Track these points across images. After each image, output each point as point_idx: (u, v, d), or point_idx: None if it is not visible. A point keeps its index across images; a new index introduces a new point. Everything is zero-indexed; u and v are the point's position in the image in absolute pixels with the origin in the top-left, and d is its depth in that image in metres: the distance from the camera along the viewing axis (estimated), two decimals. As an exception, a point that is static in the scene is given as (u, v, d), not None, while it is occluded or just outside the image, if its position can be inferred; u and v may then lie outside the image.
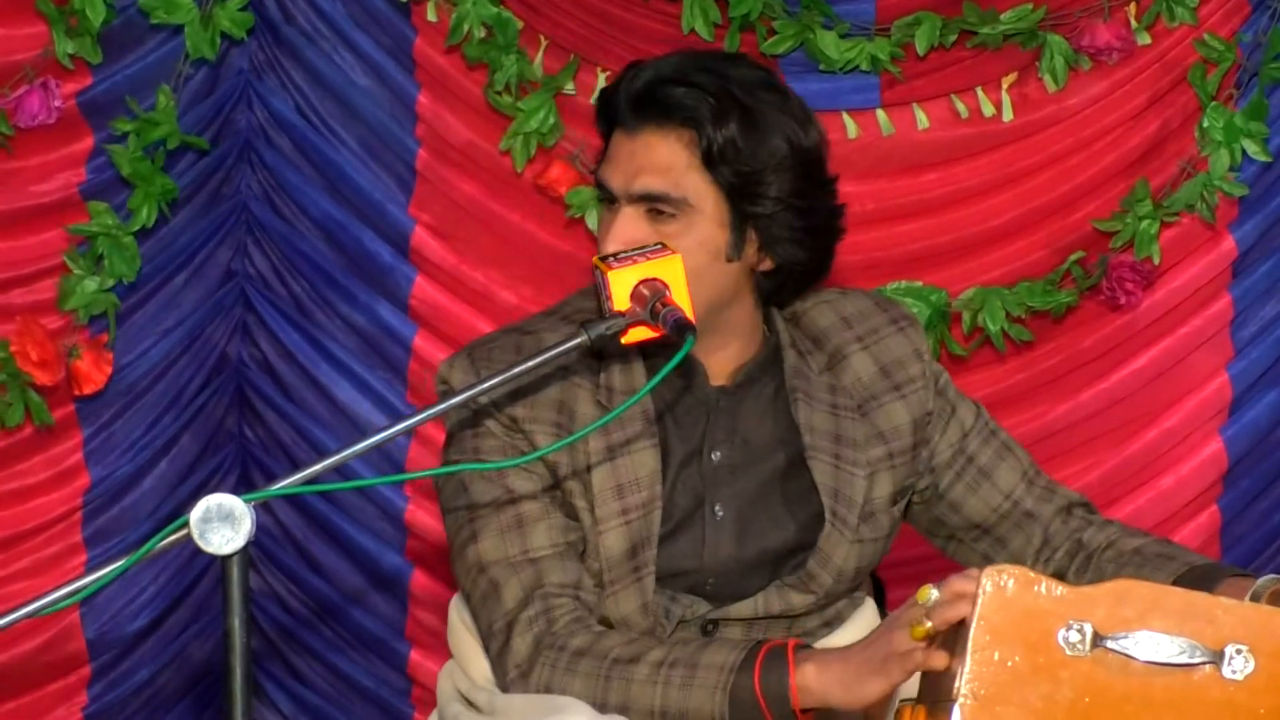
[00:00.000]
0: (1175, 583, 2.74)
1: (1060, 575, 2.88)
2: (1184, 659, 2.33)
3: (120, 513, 4.06)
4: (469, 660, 2.87)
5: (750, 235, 2.78)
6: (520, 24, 3.95)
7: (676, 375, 2.78)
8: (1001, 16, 3.90)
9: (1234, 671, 2.33)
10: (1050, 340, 4.04)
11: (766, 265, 2.81)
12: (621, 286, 2.63)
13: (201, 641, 4.17)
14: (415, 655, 4.15)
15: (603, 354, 2.81)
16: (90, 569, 2.24)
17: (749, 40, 3.93)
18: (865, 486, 2.85)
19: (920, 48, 3.92)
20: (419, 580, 4.12)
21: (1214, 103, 3.93)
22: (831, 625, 2.89)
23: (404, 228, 4.04)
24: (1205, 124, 3.94)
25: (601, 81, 3.95)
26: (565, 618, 2.73)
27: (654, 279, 2.63)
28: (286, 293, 4.08)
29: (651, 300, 2.61)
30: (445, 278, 4.04)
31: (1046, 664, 2.33)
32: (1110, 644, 2.33)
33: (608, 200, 2.80)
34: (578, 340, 2.56)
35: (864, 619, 2.93)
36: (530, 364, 2.54)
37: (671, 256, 2.64)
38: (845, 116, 3.97)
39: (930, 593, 2.43)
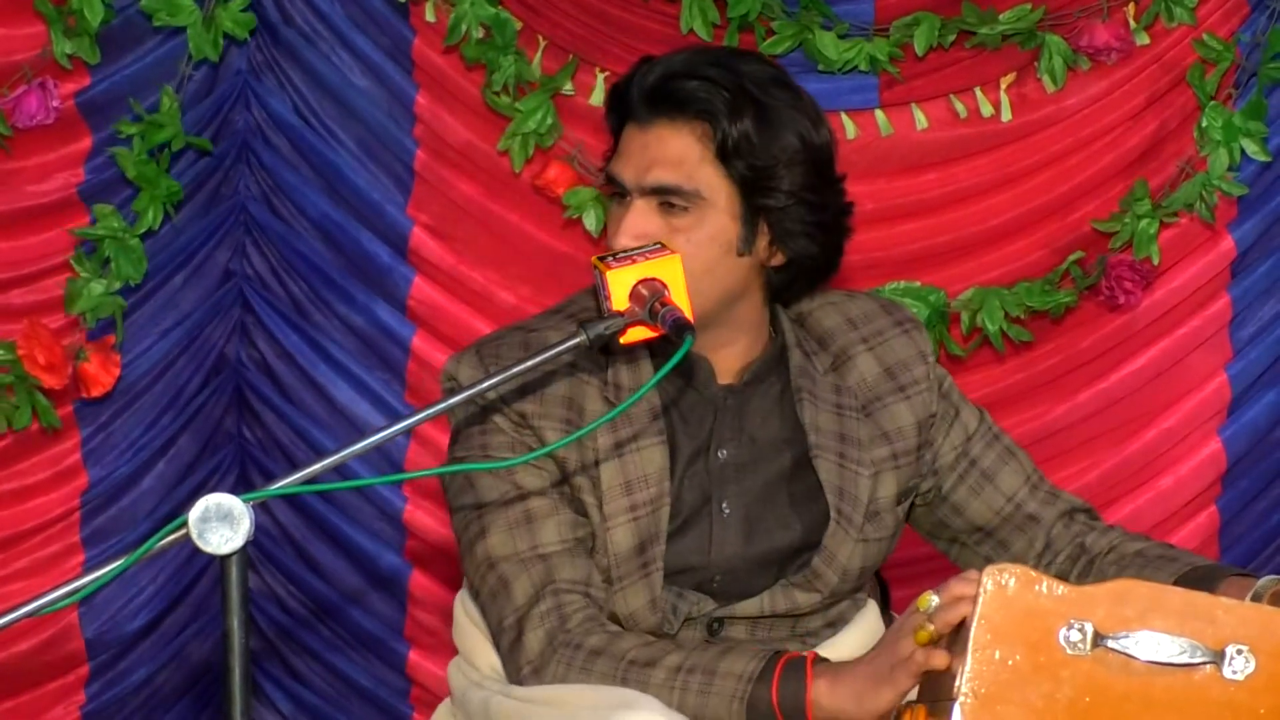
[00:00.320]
0: (1176, 583, 2.74)
1: (1062, 579, 2.87)
2: (1185, 659, 2.33)
3: (119, 513, 4.06)
4: (475, 654, 2.87)
5: (762, 229, 2.79)
6: (519, 24, 3.95)
7: (682, 373, 2.78)
8: (1000, 17, 3.90)
9: (1235, 672, 2.33)
10: (1049, 340, 4.04)
11: (778, 260, 2.82)
12: (620, 286, 2.62)
13: (200, 641, 4.16)
14: (414, 655, 4.14)
15: (610, 351, 2.81)
16: (88, 569, 2.23)
17: (748, 41, 3.92)
18: (870, 486, 2.85)
19: (919, 48, 3.92)
20: (418, 580, 4.12)
21: (1213, 102, 3.93)
22: (835, 626, 2.89)
23: (402, 228, 4.03)
24: (1204, 124, 3.94)
25: (600, 82, 3.95)
26: (579, 615, 2.73)
27: (653, 279, 2.62)
28: (285, 293, 4.08)
29: (650, 300, 2.60)
30: (443, 278, 4.04)
31: (1047, 663, 2.32)
32: (1111, 643, 2.33)
33: (618, 194, 2.80)
34: (576, 340, 2.56)
35: (867, 621, 2.93)
36: (531, 362, 2.53)
37: (671, 256, 2.64)
38: (844, 117, 3.97)
39: (931, 599, 2.44)
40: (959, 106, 3.98)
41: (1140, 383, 4.04)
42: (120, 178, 3.93)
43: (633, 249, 2.67)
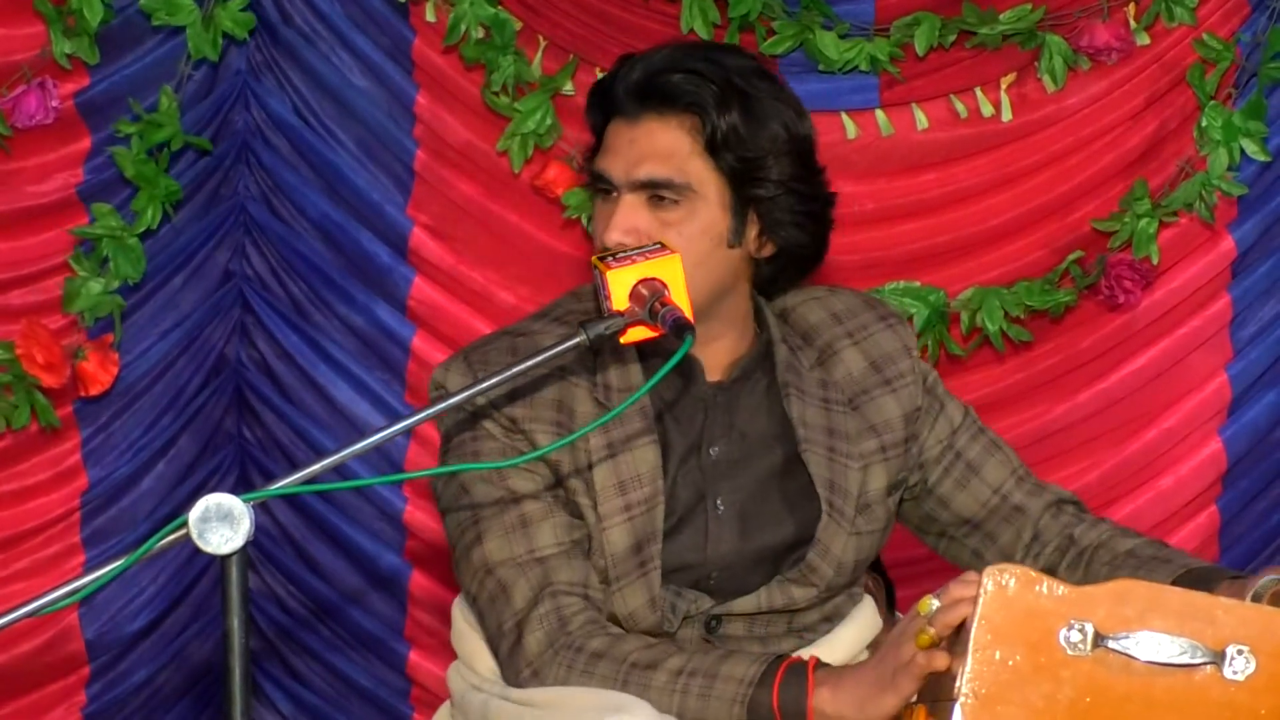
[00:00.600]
0: (1173, 584, 2.74)
1: (1050, 570, 2.88)
2: (1185, 659, 2.33)
3: (119, 513, 4.06)
4: (475, 658, 2.87)
5: (751, 220, 2.79)
6: (518, 24, 3.95)
7: (679, 372, 2.78)
8: (1000, 17, 3.90)
9: (1235, 672, 2.33)
10: (1049, 340, 4.04)
11: (767, 250, 2.82)
12: (620, 286, 2.62)
13: (200, 642, 4.16)
14: (414, 655, 4.14)
15: (598, 352, 2.81)
16: (89, 569, 2.23)
17: (748, 40, 3.93)
18: (860, 479, 2.86)
19: (919, 48, 3.92)
20: (418, 580, 4.12)
21: (1212, 102, 3.93)
22: (831, 621, 2.90)
23: (402, 228, 4.03)
24: (1204, 124, 3.94)
25: (600, 82, 3.96)
26: (579, 617, 2.73)
27: (653, 279, 2.62)
28: (285, 294, 4.08)
29: (650, 300, 2.60)
30: (443, 278, 4.04)
31: (1048, 663, 2.32)
32: (1111, 644, 2.33)
33: (604, 191, 2.80)
34: (577, 340, 2.56)
35: (863, 616, 2.93)
36: (528, 364, 2.53)
37: (671, 256, 2.64)
38: (844, 117, 3.97)
39: (931, 603, 2.44)
40: (959, 106, 3.98)
41: (1140, 383, 4.04)
42: (119, 177, 3.93)
43: (632, 248, 2.67)
